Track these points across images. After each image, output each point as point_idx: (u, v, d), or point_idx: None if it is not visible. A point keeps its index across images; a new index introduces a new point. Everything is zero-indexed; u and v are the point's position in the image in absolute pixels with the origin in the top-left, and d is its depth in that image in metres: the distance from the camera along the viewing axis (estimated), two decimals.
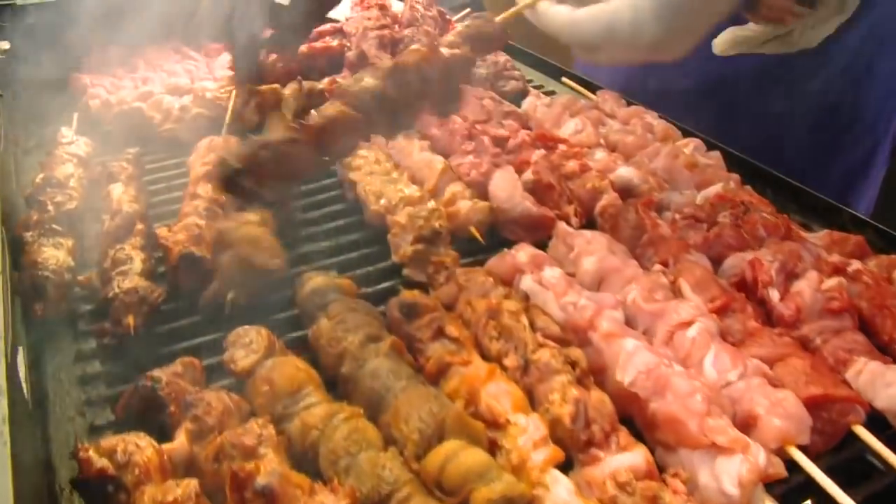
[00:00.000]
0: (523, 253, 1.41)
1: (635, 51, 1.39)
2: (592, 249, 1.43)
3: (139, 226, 1.50)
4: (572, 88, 2.26)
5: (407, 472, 0.96)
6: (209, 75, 2.26)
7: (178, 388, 1.10)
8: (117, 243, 1.43)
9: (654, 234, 1.49)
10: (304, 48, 2.23)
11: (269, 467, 0.94)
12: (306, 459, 1.03)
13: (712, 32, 1.65)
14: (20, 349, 1.22)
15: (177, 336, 1.32)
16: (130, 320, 1.27)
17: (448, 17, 2.44)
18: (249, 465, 0.94)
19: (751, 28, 1.64)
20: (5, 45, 2.12)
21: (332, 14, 2.65)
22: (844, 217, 1.68)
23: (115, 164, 1.69)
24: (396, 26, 2.38)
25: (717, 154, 1.84)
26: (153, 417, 1.09)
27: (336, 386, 1.18)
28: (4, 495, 0.83)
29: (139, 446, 0.98)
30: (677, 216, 1.56)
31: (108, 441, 0.99)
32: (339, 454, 0.99)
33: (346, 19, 2.33)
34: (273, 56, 2.16)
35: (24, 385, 1.16)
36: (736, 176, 1.75)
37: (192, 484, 0.93)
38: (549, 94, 2.24)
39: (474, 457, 0.96)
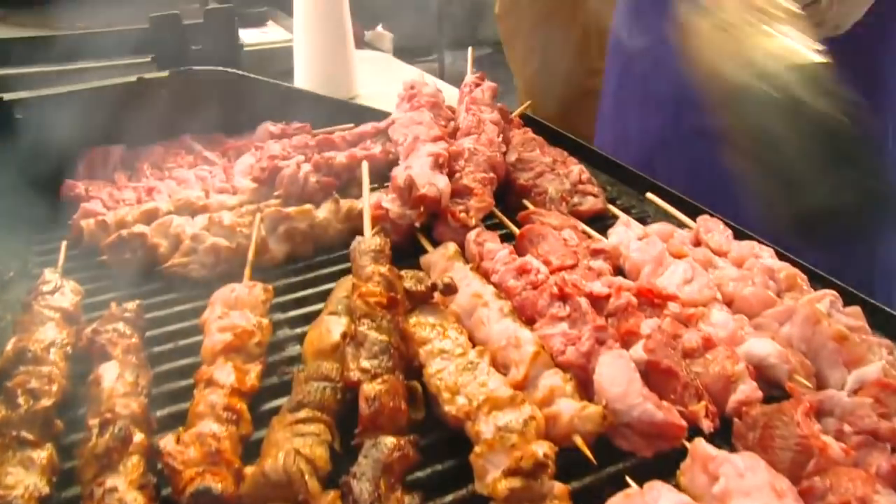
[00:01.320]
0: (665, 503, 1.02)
1: None
2: (748, 488, 1.05)
3: (138, 436, 1.12)
4: (658, 207, 1.88)
5: None
6: (226, 184, 1.89)
7: None
8: (107, 472, 1.05)
9: (824, 460, 1.11)
10: (343, 157, 1.86)
11: None
12: None
13: None
14: None
15: None
16: None
17: (510, 114, 2.08)
18: None
19: None
20: None
21: (378, 105, 2.31)
22: None
23: (108, 332, 1.31)
24: (451, 123, 2.02)
25: (857, 310, 1.48)
26: None
27: None
28: None
29: None
30: (847, 428, 1.18)
31: None
32: None
33: (394, 120, 1.96)
34: (308, 168, 1.79)
35: None
36: (887, 342, 1.39)
37: None
38: (627, 209, 1.87)
39: None
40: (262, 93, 2.16)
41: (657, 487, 1.06)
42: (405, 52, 6.89)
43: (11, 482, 1.05)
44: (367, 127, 2.02)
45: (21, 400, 1.17)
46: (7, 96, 1.86)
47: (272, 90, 2.17)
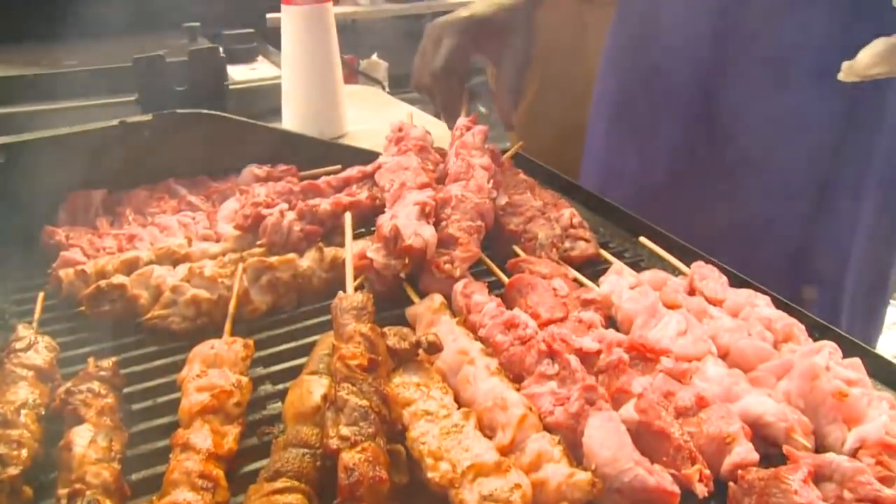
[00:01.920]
0: None
1: None
2: None
3: None
4: (652, 251, 1.85)
5: None
6: (210, 230, 1.85)
7: None
8: None
9: None
10: (327, 205, 1.82)
11: None
12: None
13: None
14: None
15: None
16: None
17: (500, 156, 2.05)
18: None
19: None
20: None
21: (357, 140, 2.28)
22: None
23: (82, 392, 1.27)
24: (439, 167, 1.99)
25: (856, 362, 1.44)
26: None
27: None
28: None
29: None
30: (847, 494, 1.14)
31: None
32: None
33: (381, 165, 1.92)
34: (292, 216, 1.75)
35: None
36: (889, 396, 1.36)
37: None
38: (618, 253, 1.84)
39: None
40: (247, 134, 2.12)
41: None
42: (402, 79, 6.89)
43: None
44: (354, 171, 1.97)
45: None
46: None
47: (257, 131, 2.14)
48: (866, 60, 1.41)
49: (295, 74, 2.61)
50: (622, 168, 2.36)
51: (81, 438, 1.19)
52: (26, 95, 2.41)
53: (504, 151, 2.17)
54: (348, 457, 1.09)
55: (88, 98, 2.44)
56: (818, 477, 1.17)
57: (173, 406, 1.33)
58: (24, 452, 1.18)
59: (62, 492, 1.09)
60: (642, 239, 1.88)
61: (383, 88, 3.96)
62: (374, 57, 6.62)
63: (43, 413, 1.29)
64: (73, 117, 2.09)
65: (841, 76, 1.44)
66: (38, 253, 1.82)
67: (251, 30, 3.34)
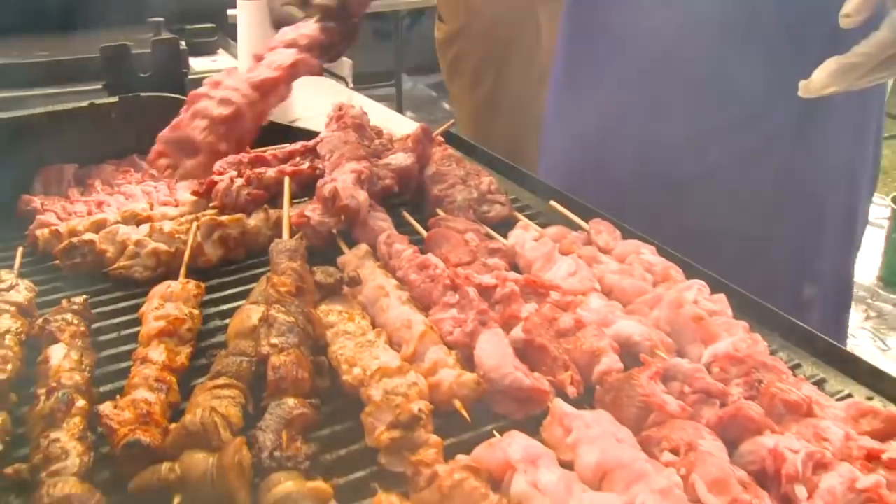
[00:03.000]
0: (516, 446, 1.23)
1: None
2: (594, 437, 1.26)
3: (80, 402, 1.31)
4: (561, 213, 2.10)
5: None
6: (170, 197, 2.09)
7: None
8: (52, 429, 1.24)
9: (662, 415, 1.33)
10: (272, 172, 2.07)
11: None
12: None
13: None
14: None
15: None
16: None
17: (431, 133, 2.30)
18: None
19: (859, 51, 1.45)
20: None
21: (307, 125, 2.52)
22: (862, 368, 1.56)
23: (58, 320, 1.51)
24: (374, 142, 2.23)
25: (721, 297, 1.69)
26: None
27: None
28: None
29: None
30: (686, 389, 1.40)
31: None
32: None
33: (322, 139, 2.17)
34: (240, 182, 2.00)
35: None
36: (744, 324, 1.61)
37: None
38: (531, 215, 2.08)
39: None
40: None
41: (513, 435, 1.27)
42: (365, 77, 7.13)
43: None
44: (297, 145, 2.22)
45: None
46: None
47: None
48: (821, 80, 1.50)
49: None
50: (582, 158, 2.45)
51: (57, 353, 1.42)
52: (2, 83, 2.63)
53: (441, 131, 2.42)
54: (276, 359, 1.34)
55: (60, 86, 2.67)
56: (665, 377, 1.43)
57: (135, 337, 1.57)
58: (9, 366, 1.42)
59: (41, 391, 1.33)
60: (552, 202, 2.13)
61: (346, 84, 4.20)
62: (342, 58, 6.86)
63: (24, 339, 1.52)
64: (45, 103, 2.30)
65: (800, 93, 1.53)
66: (16, 222, 2.03)
67: (212, 25, 3.58)
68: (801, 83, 1.50)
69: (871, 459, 1.24)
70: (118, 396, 1.35)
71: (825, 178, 2.15)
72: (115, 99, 2.23)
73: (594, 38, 2.34)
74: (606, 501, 1.15)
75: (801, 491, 1.20)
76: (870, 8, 1.40)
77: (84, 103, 2.19)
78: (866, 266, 5.35)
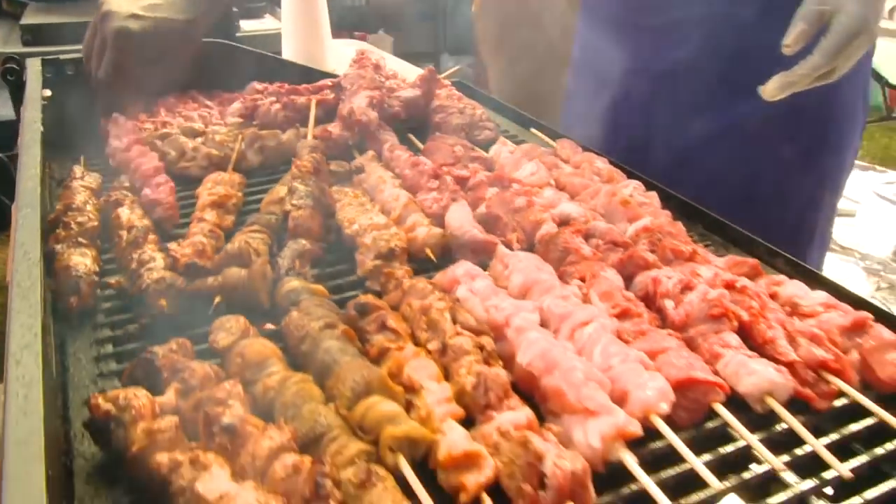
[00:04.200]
0: (461, 268, 1.71)
1: None
2: (522, 267, 1.73)
3: (152, 236, 1.81)
4: (539, 137, 2.56)
5: (338, 419, 1.26)
6: (220, 121, 2.59)
7: (172, 360, 1.40)
8: (138, 249, 1.74)
9: (577, 256, 1.79)
10: (303, 99, 2.56)
11: (235, 413, 1.24)
12: (264, 414, 1.32)
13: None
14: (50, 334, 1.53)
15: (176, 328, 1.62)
16: (164, 303, 1.59)
17: (437, 75, 2.77)
18: (219, 409, 1.24)
19: (797, 72, 1.80)
20: (47, 93, 2.46)
21: (333, 69, 3.02)
22: (761, 248, 1.96)
23: (118, 193, 2.00)
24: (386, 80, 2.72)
25: (653, 194, 2.13)
26: (151, 383, 1.38)
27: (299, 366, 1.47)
28: (37, 439, 1.11)
29: (137, 395, 1.28)
30: (600, 242, 1.86)
31: (112, 392, 1.29)
32: (288, 406, 1.28)
33: (345, 75, 2.66)
34: (277, 106, 2.49)
35: (52, 361, 1.47)
36: (667, 213, 2.04)
37: (174, 419, 1.23)
38: (519, 142, 2.54)
39: (388, 406, 1.25)
40: (253, 61, 2.86)
41: (462, 265, 1.74)
42: (408, 56, 7.61)
43: (75, 262, 1.74)
44: (327, 81, 2.72)
45: (74, 224, 1.86)
46: (63, 56, 2.58)
47: (261, 59, 2.88)
48: (770, 91, 1.86)
49: (291, 25, 3.37)
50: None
51: (124, 212, 1.92)
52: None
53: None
54: (295, 213, 1.83)
55: None
56: (587, 236, 1.89)
57: (191, 212, 2.06)
58: (93, 221, 1.92)
59: (121, 232, 1.83)
60: (533, 129, 2.60)
61: None
62: (381, 32, 7.41)
63: (98, 208, 2.02)
64: None
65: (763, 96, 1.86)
66: (97, 138, 2.54)
67: None
68: (760, 88, 1.85)
69: (729, 287, 1.68)
70: (180, 240, 1.85)
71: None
72: None
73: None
74: (521, 304, 1.61)
75: (669, 304, 1.65)
76: (806, 41, 1.77)
77: None
78: (882, 240, 5.73)
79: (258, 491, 1.10)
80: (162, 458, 1.17)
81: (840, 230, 6.66)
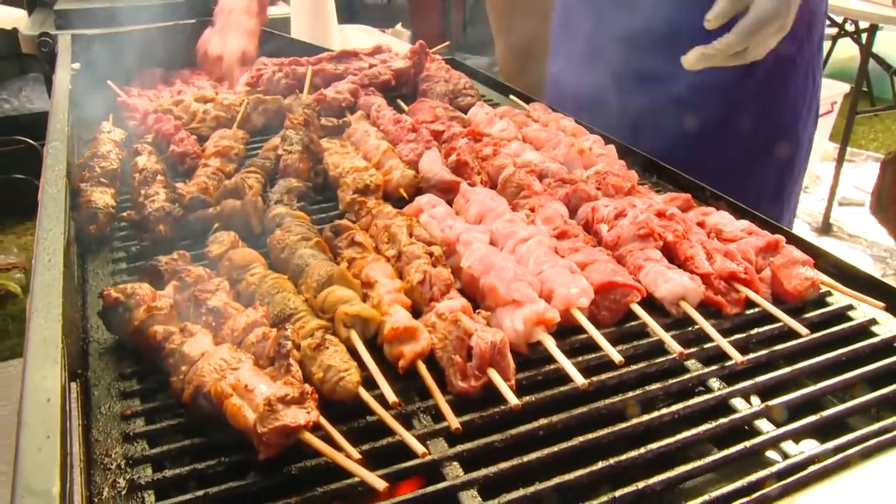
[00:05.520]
0: (425, 198, 1.98)
1: None
2: (479, 199, 1.99)
3: (160, 178, 2.09)
4: (516, 104, 2.82)
5: (305, 304, 1.53)
6: (230, 92, 2.88)
7: (173, 266, 1.68)
8: (146, 186, 2.02)
9: (529, 192, 2.05)
10: (302, 70, 2.85)
11: (220, 299, 1.52)
12: (247, 305, 1.59)
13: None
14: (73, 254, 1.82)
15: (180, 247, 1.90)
16: (162, 228, 1.87)
17: (427, 49, 3.04)
18: (207, 295, 1.52)
19: (714, 46, 1.99)
20: (76, 65, 2.76)
21: (326, 44, 3.30)
22: (707, 193, 2.20)
23: (140, 146, 2.29)
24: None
25: (611, 147, 2.38)
26: (155, 284, 1.66)
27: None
28: (55, 325, 1.39)
29: (141, 287, 1.56)
30: (552, 181, 2.11)
31: (121, 286, 1.57)
32: (265, 295, 1.56)
33: (342, 49, 2.94)
34: (280, 75, 2.78)
35: (74, 274, 1.76)
36: (622, 162, 2.28)
37: (169, 301, 1.51)
38: (496, 106, 2.80)
39: (345, 292, 1.53)
40: (263, 39, 3.15)
41: (426, 196, 2.01)
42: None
43: (96, 198, 2.02)
44: (324, 55, 3.00)
45: (97, 167, 2.15)
46: (90, 33, 2.88)
47: (269, 37, 3.17)
48: (689, 61, 2.01)
49: (299, 9, 3.66)
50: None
51: (142, 158, 2.21)
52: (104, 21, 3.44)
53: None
54: (286, 156, 2.11)
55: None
56: (541, 176, 2.15)
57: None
58: (116, 165, 2.20)
59: (135, 174, 2.11)
60: (511, 96, 2.86)
61: None
62: (399, 27, 7.70)
63: (121, 157, 2.30)
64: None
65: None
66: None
67: None
68: (682, 57, 2.03)
69: (659, 215, 1.93)
70: (186, 180, 2.13)
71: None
72: (192, 21, 3.03)
73: None
74: (473, 226, 1.88)
75: (604, 227, 1.91)
76: (725, 19, 1.97)
77: (170, 24, 2.99)
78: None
79: (232, 349, 1.38)
80: (158, 328, 1.45)
81: (848, 218, 6.88)
